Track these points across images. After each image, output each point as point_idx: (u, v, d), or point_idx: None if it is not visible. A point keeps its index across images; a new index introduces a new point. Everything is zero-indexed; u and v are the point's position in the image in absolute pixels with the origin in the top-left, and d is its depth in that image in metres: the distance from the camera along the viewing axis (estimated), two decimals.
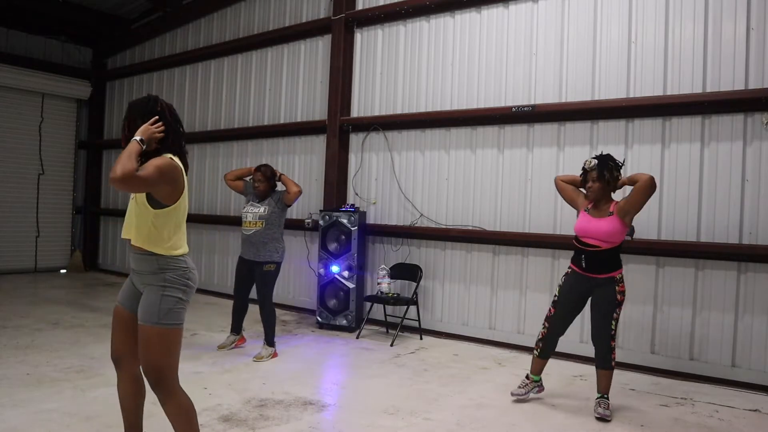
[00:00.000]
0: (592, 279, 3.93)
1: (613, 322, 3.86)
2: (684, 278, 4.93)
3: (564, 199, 4.32)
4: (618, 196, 4.10)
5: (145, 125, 2.55)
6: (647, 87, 5.09)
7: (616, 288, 3.87)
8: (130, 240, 2.65)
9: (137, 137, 2.49)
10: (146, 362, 2.55)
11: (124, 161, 2.38)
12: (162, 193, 2.55)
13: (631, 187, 3.94)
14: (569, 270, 4.10)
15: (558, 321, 4.08)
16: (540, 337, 4.15)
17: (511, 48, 5.90)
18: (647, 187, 3.81)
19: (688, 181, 4.91)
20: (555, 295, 4.13)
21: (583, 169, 4.03)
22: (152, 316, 2.53)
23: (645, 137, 5.13)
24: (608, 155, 4.00)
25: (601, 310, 3.90)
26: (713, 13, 4.81)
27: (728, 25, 4.74)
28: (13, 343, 5.20)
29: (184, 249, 2.67)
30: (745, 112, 4.68)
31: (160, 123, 2.60)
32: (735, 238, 4.71)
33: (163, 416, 2.66)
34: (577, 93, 5.47)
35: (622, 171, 4.00)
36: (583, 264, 3.96)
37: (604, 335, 3.87)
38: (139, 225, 2.58)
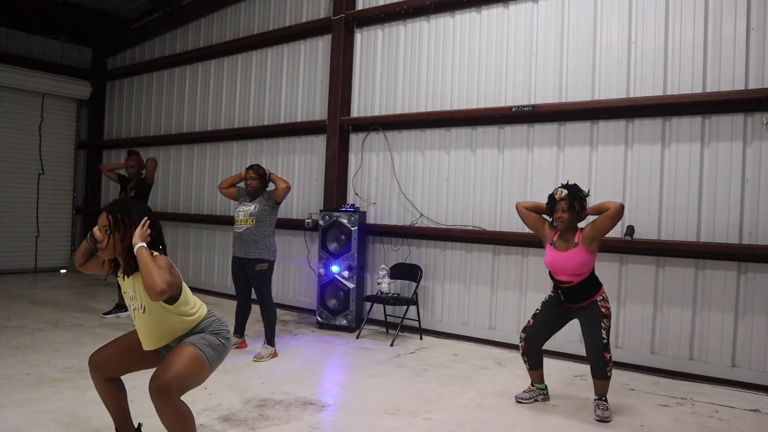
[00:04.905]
0: (574, 308, 3.97)
1: (604, 332, 3.84)
2: (684, 278, 4.92)
3: (527, 225, 4.27)
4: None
5: (139, 230, 2.68)
6: (647, 87, 5.09)
7: (599, 305, 3.89)
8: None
9: (142, 244, 2.63)
10: (165, 371, 2.62)
11: (160, 273, 2.52)
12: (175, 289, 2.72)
13: (594, 217, 3.94)
14: (553, 293, 4.11)
15: (534, 333, 4.10)
16: (521, 352, 4.18)
17: (511, 48, 5.90)
18: (617, 215, 3.81)
19: (688, 181, 4.91)
20: (537, 309, 4.17)
21: (552, 198, 3.99)
22: (196, 341, 2.73)
23: (645, 137, 5.13)
24: (575, 185, 3.98)
25: (590, 325, 3.90)
26: (713, 13, 4.81)
27: (728, 25, 4.74)
28: (13, 343, 5.20)
29: (205, 307, 2.88)
30: (745, 112, 4.68)
31: (146, 223, 2.74)
32: (735, 238, 4.70)
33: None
34: (577, 93, 5.47)
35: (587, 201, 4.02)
36: (562, 297, 4.00)
37: (598, 347, 3.85)
38: (167, 327, 2.75)
